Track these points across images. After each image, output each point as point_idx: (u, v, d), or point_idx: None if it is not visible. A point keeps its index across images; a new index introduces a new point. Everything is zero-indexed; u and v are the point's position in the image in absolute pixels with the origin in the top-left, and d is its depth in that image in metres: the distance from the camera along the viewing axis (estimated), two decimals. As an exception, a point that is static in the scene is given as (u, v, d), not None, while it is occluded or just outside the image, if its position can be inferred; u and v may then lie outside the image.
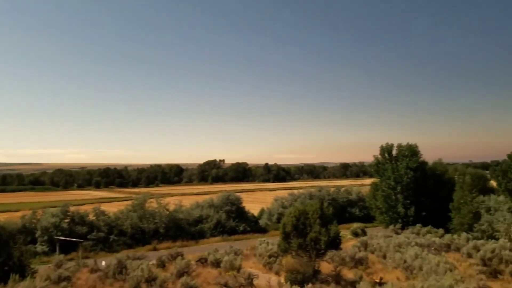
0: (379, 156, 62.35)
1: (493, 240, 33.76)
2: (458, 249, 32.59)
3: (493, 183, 76.79)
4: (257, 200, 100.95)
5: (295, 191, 75.06)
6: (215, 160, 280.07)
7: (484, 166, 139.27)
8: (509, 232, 40.66)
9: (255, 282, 22.69)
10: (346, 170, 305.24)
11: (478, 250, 28.25)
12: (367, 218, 65.75)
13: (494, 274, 24.11)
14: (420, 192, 57.17)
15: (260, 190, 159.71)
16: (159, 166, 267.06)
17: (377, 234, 43.20)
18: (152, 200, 52.92)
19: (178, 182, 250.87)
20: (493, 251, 27.09)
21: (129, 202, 54.86)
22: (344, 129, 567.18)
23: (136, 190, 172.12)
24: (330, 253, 24.71)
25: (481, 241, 32.50)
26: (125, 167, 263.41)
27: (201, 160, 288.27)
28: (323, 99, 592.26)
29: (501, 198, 47.59)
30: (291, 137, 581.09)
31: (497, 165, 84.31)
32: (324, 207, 25.22)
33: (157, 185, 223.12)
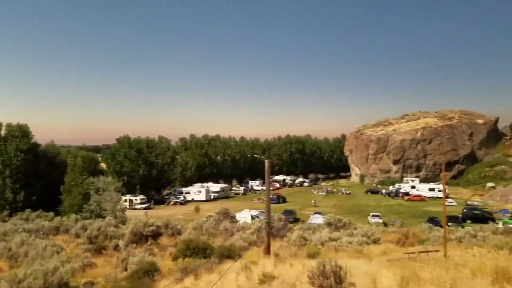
0: (-16, 136, 54.45)
1: (100, 219, 36.01)
2: (67, 231, 32.69)
3: (104, 165, 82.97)
4: None
5: None
6: None
7: (97, 149, 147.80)
8: (115, 210, 44.82)
9: None
10: None
11: (86, 230, 29.30)
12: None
13: (99, 250, 25.46)
14: (32, 175, 54.27)
15: None
16: None
17: (-23, 226, 37.33)
18: None
19: None
20: (99, 229, 28.78)
21: None
22: None
23: None
24: None
25: (89, 221, 33.94)
26: None
27: None
28: None
29: (109, 179, 51.69)
30: None
31: (107, 148, 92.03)
32: None
33: None
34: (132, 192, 73.97)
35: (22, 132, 55.27)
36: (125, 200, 62.58)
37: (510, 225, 38.76)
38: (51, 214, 45.17)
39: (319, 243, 21.52)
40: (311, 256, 14.86)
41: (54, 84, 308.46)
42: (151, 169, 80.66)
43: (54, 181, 53.48)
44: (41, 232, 30.96)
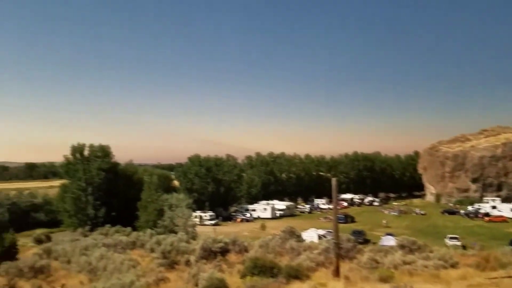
0: (70, 157, 59.28)
1: (173, 234, 37.33)
2: (143, 245, 34.07)
3: (176, 182, 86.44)
4: None
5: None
6: None
7: (170, 167, 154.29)
8: (187, 225, 46.36)
9: None
10: (32, 171, 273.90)
11: (160, 245, 30.49)
12: (55, 223, 61.39)
13: (172, 265, 26.30)
14: (112, 192, 57.73)
15: None
16: None
17: (64, 239, 40.52)
18: None
19: None
20: (172, 244, 29.82)
21: None
22: (32, 125, 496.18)
23: None
24: (4, 266, 21.44)
25: (163, 236, 35.27)
26: None
27: None
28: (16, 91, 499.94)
29: (181, 196, 53.68)
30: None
31: (180, 167, 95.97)
32: (-3, 213, 21.57)
33: None
34: (201, 208, 75.75)
35: (104, 152, 59.33)
36: (196, 216, 64.10)
37: None
38: (129, 229, 47.40)
39: (392, 266, 20.62)
40: (384, 280, 14.34)
41: (133, 112, 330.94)
42: (219, 186, 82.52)
43: (132, 198, 56.21)
44: (119, 247, 32.65)
